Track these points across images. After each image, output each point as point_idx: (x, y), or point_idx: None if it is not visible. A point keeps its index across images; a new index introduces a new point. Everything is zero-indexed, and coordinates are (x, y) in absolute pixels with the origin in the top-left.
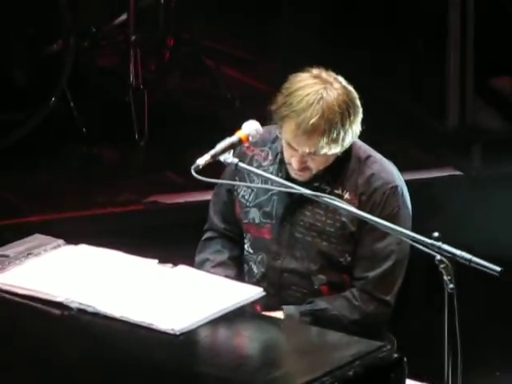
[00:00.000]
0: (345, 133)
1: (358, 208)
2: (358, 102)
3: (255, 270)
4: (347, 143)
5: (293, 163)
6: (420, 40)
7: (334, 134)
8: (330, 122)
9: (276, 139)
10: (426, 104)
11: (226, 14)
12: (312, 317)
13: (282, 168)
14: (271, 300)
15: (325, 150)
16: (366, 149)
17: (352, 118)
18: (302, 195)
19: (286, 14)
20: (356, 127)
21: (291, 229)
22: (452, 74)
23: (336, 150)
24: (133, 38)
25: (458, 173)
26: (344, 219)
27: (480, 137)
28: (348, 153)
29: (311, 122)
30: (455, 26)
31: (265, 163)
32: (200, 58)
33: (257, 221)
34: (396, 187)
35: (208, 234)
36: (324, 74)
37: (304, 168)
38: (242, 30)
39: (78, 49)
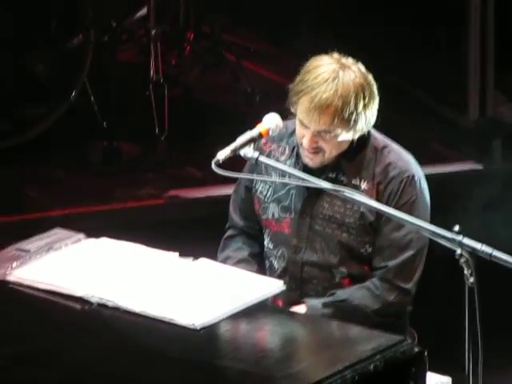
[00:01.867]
0: (357, 115)
1: (377, 197)
2: (375, 90)
3: (276, 265)
4: (359, 128)
5: (304, 143)
6: (442, 35)
7: (346, 114)
8: (343, 100)
9: (293, 133)
10: (446, 98)
11: (247, 7)
12: (334, 308)
13: (298, 161)
14: (293, 294)
15: (336, 131)
16: (382, 139)
17: (366, 102)
18: (318, 188)
19: (307, 7)
20: (370, 113)
21: (311, 221)
22: (473, 68)
23: (348, 134)
24: (153, 32)
25: (478, 166)
26: (363, 209)
27: (500, 130)
28: (364, 143)
29: (324, 96)
30: (476, 20)
31: (282, 158)
32: (220, 52)
33: (276, 216)
34: (413, 176)
35: (229, 233)
36: (344, 58)
37: (315, 150)
38: (263, 24)
39: (99, 43)
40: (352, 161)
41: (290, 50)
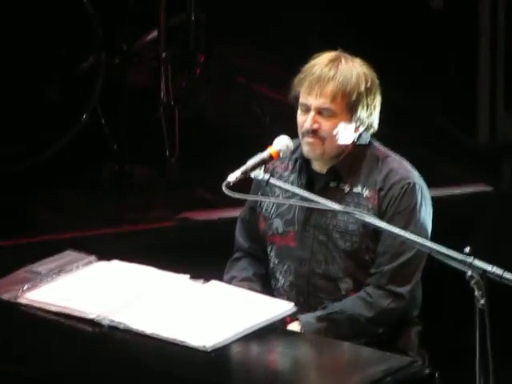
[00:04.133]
0: (359, 96)
1: (378, 204)
2: (378, 86)
3: (282, 280)
4: (359, 116)
5: (305, 124)
6: (452, 58)
7: (347, 90)
8: (344, 76)
9: (296, 150)
10: (456, 120)
11: (257, 30)
12: (328, 321)
13: (301, 175)
14: (300, 309)
15: (336, 109)
16: (384, 149)
17: (369, 87)
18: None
19: (316, 30)
20: (371, 103)
21: (314, 232)
22: (482, 90)
23: (347, 119)
24: (164, 54)
25: (488, 188)
26: None
27: (510, 153)
28: (365, 151)
29: (325, 71)
30: (486, 43)
31: (285, 173)
32: (230, 75)
33: (280, 230)
34: (414, 184)
35: (235, 255)
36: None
37: (316, 134)
38: (272, 47)
39: (109, 66)
40: (353, 170)
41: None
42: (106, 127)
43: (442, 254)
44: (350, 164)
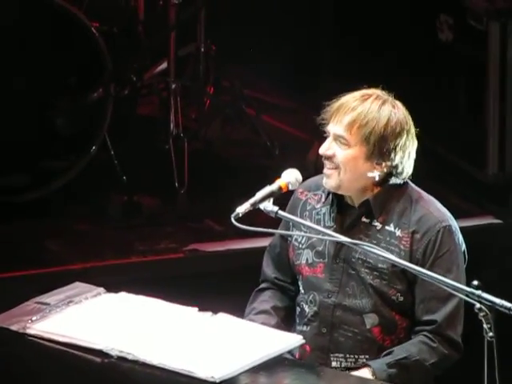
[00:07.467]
0: (379, 140)
1: (411, 246)
2: (412, 138)
3: (307, 309)
4: (376, 154)
5: (321, 148)
6: (460, 89)
7: (364, 121)
8: (367, 109)
9: None
10: (465, 153)
11: (266, 62)
12: (398, 366)
13: (333, 207)
14: (322, 339)
15: (351, 140)
16: (418, 190)
17: (397, 133)
18: (352, 233)
19: (325, 63)
20: (399, 147)
21: (344, 266)
22: (491, 123)
23: (362, 151)
24: (173, 86)
25: (497, 221)
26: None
27: None
28: (400, 191)
29: (354, 102)
30: (495, 75)
31: (318, 206)
32: (240, 107)
33: (310, 261)
34: (449, 226)
35: (261, 286)
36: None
37: (331, 163)
38: (282, 79)
39: (119, 97)
40: (387, 207)
41: (309, 103)
42: (115, 158)
43: (451, 286)
44: (382, 201)
